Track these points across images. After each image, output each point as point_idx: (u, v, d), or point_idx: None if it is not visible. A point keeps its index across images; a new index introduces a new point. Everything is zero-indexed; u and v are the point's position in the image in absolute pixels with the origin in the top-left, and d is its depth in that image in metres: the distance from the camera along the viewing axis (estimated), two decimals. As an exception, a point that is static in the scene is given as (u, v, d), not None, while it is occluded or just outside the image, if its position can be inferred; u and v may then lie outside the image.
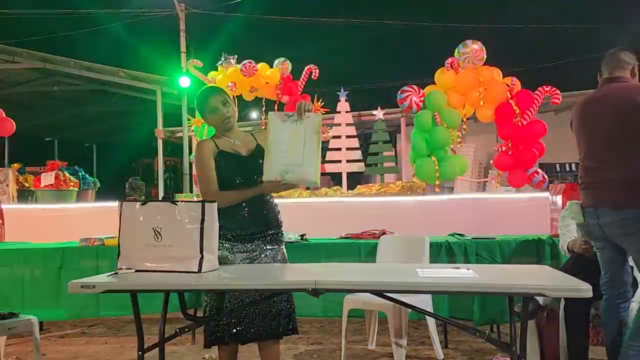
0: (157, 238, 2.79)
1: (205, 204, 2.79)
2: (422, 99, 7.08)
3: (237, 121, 3.40)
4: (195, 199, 3.89)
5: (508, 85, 7.11)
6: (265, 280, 2.71)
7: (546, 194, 5.86)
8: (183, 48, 15.64)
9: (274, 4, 16.71)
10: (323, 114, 9.10)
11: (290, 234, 5.12)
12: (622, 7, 16.65)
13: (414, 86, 7.22)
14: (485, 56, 7.18)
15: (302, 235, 5.27)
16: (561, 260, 4.48)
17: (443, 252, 4.85)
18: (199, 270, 2.72)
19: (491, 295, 4.29)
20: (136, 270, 2.77)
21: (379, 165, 8.40)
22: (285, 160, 3.01)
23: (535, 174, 7.03)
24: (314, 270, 3.09)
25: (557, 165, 14.16)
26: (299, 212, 5.88)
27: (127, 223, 2.84)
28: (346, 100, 8.73)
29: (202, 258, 2.74)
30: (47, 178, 7.96)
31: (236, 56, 9.01)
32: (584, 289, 2.34)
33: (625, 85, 3.43)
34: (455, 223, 5.64)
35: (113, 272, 2.73)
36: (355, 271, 3.13)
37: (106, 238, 5.16)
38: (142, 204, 2.84)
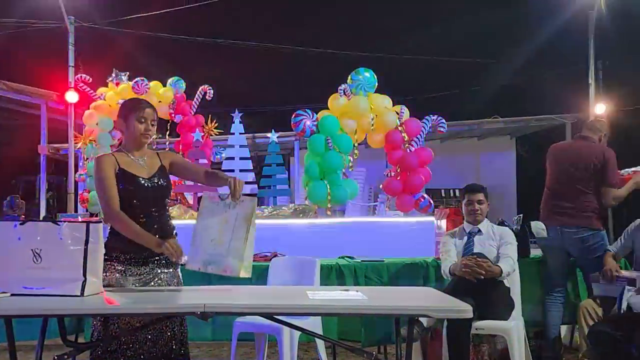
0: (37, 260, 2.65)
1: (90, 224, 2.69)
2: (315, 123, 7.20)
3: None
4: (80, 219, 3.71)
5: (397, 113, 7.37)
6: (151, 304, 2.64)
7: (432, 218, 6.10)
8: (71, 62, 15.01)
9: (168, 23, 16.46)
10: (216, 134, 9.03)
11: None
12: (505, 44, 17.85)
13: (308, 110, 7.33)
14: (377, 84, 7.43)
15: (192, 258, 5.16)
16: (446, 283, 4.68)
17: (333, 275, 4.93)
18: (82, 294, 2.61)
19: (378, 317, 4.40)
20: (12, 295, 2.61)
21: (271, 187, 8.42)
22: (210, 249, 2.87)
23: (422, 199, 7.30)
24: (203, 293, 3.05)
25: (442, 191, 14.79)
26: (190, 234, 5.76)
27: (3, 244, 2.68)
28: (240, 122, 8.71)
29: (84, 281, 2.62)
30: None
31: (128, 73, 8.78)
32: (465, 310, 2.45)
33: (591, 145, 4.84)
34: (346, 246, 5.74)
35: (-15, 297, 2.56)
36: (245, 294, 3.11)
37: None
38: (20, 224, 2.69)
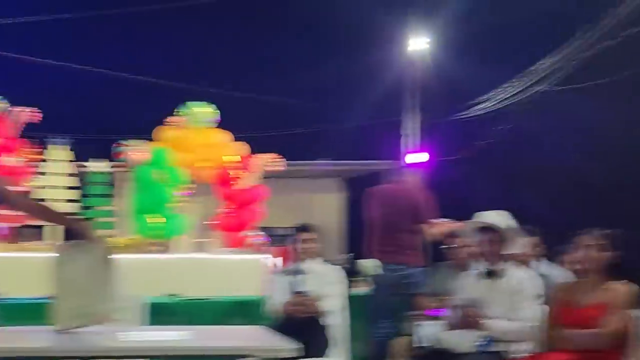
0: None
1: None
2: (146, 154, 6.96)
3: None
4: None
5: (234, 149, 7.36)
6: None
7: (263, 256, 6.12)
8: None
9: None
10: (37, 160, 8.41)
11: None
12: (339, 93, 18.84)
13: (139, 141, 7.08)
14: (214, 119, 7.38)
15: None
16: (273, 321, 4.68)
17: (159, 313, 4.72)
18: None
19: (200, 358, 4.27)
20: None
21: (96, 219, 7.95)
22: (77, 302, 2.66)
23: (254, 237, 7.31)
24: None
25: (276, 229, 14.91)
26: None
27: None
28: (64, 149, 8.17)
29: None
30: None
31: None
32: (290, 349, 2.45)
33: (410, 188, 5.32)
34: (174, 283, 5.56)
35: None
36: (48, 335, 2.87)
37: None
38: None
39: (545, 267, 4.76)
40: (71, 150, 8.33)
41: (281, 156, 7.76)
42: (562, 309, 3.55)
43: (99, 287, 2.73)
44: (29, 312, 4.54)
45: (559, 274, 4.59)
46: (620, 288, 3.41)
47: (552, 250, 5.22)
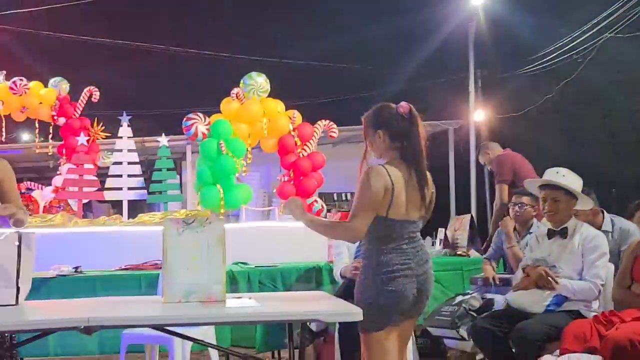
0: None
1: (22, 233, 2.68)
2: (207, 127, 7.08)
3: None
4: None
5: (290, 118, 7.40)
6: (31, 318, 2.49)
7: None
8: None
9: (52, 21, 15.65)
10: (103, 138, 8.67)
11: (63, 266, 4.78)
12: (393, 53, 18.51)
13: (200, 114, 7.20)
14: (269, 89, 7.42)
15: (76, 268, 4.93)
16: (338, 285, 4.75)
17: (227, 282, 4.86)
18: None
19: (270, 323, 4.39)
20: None
21: (162, 193, 8.17)
22: (187, 278, 2.76)
23: (315, 203, 7.37)
24: (87, 305, 2.90)
25: (335, 195, 15.04)
26: (74, 242, 5.51)
27: None
28: (129, 125, 8.40)
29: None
30: None
31: (4, 72, 8.25)
32: (355, 313, 2.49)
33: None
34: (240, 251, 5.68)
35: None
36: (133, 304, 3.00)
37: None
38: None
39: (618, 222, 4.65)
40: (134, 126, 8.55)
41: (335, 121, 7.75)
42: (638, 265, 3.46)
43: (214, 268, 2.80)
44: (102, 283, 4.75)
45: (632, 228, 4.49)
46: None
47: (621, 206, 5.07)
